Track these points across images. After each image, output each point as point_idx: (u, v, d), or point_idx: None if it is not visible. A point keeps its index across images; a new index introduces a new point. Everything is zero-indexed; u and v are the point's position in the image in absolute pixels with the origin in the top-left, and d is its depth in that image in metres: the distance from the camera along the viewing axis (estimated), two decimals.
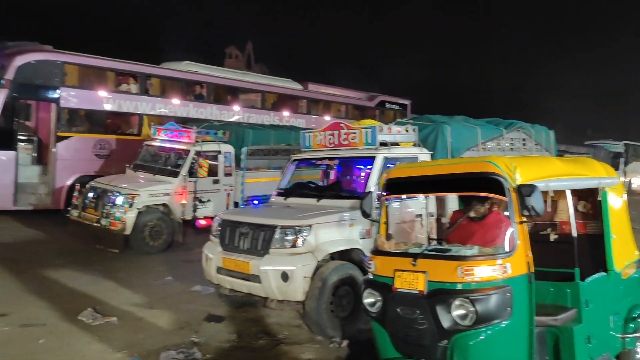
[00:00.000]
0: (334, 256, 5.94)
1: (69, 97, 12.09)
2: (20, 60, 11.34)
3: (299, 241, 5.74)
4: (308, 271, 5.62)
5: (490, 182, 3.63)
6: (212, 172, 10.47)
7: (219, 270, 6.18)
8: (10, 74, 11.14)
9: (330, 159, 7.38)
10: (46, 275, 7.80)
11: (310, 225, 5.79)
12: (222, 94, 15.86)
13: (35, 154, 12.07)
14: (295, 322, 6.20)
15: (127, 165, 10.89)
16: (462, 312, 3.37)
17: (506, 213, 3.94)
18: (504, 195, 3.58)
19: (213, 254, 6.28)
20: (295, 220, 5.90)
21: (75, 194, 10.14)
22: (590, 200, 4.83)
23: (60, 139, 11.88)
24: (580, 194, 4.89)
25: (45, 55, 11.91)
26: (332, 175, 7.70)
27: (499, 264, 3.44)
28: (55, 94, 11.85)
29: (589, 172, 4.49)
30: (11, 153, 11.19)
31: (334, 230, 5.97)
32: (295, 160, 7.59)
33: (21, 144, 11.61)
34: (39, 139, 12.30)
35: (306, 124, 16.50)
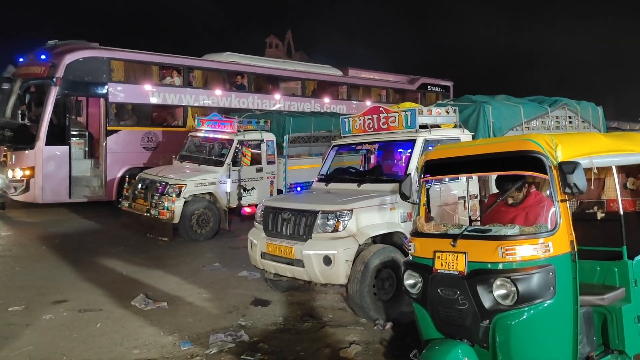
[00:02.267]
0: (375, 240, 5.99)
1: (117, 92, 12.49)
2: (69, 58, 11.77)
3: (341, 225, 5.80)
4: (350, 255, 5.68)
5: (531, 160, 3.56)
6: (255, 160, 10.65)
7: (263, 255, 6.32)
8: (60, 72, 11.59)
9: (370, 143, 7.38)
10: (101, 263, 8.16)
11: (351, 210, 5.84)
12: (263, 83, 16.01)
13: (87, 148, 12.57)
14: (339, 305, 6.29)
15: (174, 156, 11.21)
16: (503, 292, 3.35)
17: (547, 192, 3.87)
18: (545, 173, 3.51)
19: (257, 240, 6.42)
20: (337, 205, 5.96)
21: (126, 185, 10.53)
22: (639, 177, 4.68)
23: (109, 133, 12.29)
24: (629, 171, 4.74)
25: (92, 52, 12.32)
26: (373, 159, 7.70)
27: (541, 243, 3.38)
28: (103, 90, 12.26)
29: (636, 147, 4.34)
30: (65, 148, 11.67)
31: (375, 214, 6.00)
32: (335, 146, 7.63)
33: (73, 139, 12.10)
34: (90, 133, 12.79)
35: (347, 110, 16.48)
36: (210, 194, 9.99)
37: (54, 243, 9.37)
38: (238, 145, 10.31)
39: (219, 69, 14.74)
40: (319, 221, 5.87)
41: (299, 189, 10.60)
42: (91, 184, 12.34)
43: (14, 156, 11.52)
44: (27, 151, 11.39)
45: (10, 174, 11.41)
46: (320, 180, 7.25)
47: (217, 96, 14.24)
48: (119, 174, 12.21)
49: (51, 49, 12.23)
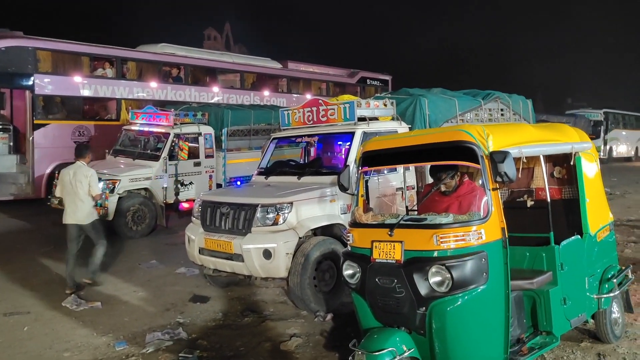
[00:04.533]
0: (315, 232, 5.99)
1: (44, 83, 11.88)
2: None
3: (281, 218, 5.76)
4: (290, 248, 5.65)
5: (463, 151, 3.65)
6: (193, 154, 10.43)
7: (202, 251, 6.18)
8: None
9: (309, 136, 7.36)
10: (30, 264, 7.76)
11: (291, 203, 5.81)
12: (200, 76, 15.68)
13: (12, 143, 11.89)
14: (280, 298, 6.27)
15: (107, 151, 10.78)
16: (438, 279, 3.42)
17: (479, 181, 3.98)
18: (477, 162, 3.60)
19: (195, 235, 6.27)
20: (276, 198, 5.90)
21: (55, 182, 10.03)
22: (565, 166, 4.90)
23: (37, 127, 11.70)
24: (556, 160, 4.96)
25: (16, 41, 11.64)
26: (313, 152, 7.69)
27: (474, 231, 3.47)
28: (29, 81, 11.62)
29: (562, 137, 4.54)
30: None
31: (315, 207, 6.00)
32: (275, 139, 7.57)
33: None
34: (15, 127, 12.10)
35: (287, 103, 16.42)
36: (145, 189, 9.69)
37: None
38: (175, 139, 10.06)
39: (154, 60, 14.30)
40: (258, 215, 5.80)
41: (238, 183, 10.45)
42: (17, 180, 11.69)
43: None
44: None
45: None
46: (260, 173, 7.17)
47: (152, 88, 13.83)
48: (48, 170, 11.63)
49: None
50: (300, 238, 5.75)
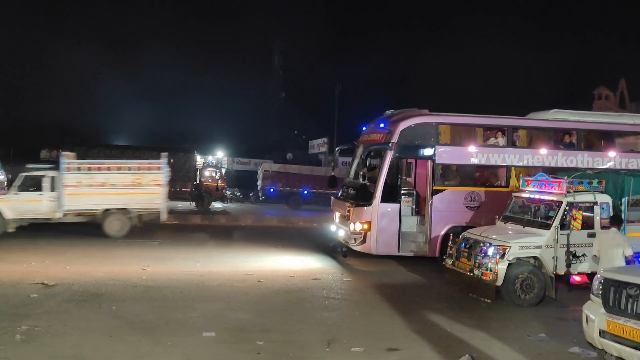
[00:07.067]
0: None
1: (443, 154, 13.24)
2: (403, 125, 13.09)
3: None
4: None
5: None
6: (587, 224, 9.79)
7: (602, 334, 5.73)
8: (395, 138, 12.95)
9: None
10: (427, 317, 8.61)
11: None
12: (594, 140, 14.72)
13: (414, 206, 13.56)
14: None
15: (497, 216, 11.17)
16: None
17: None
18: None
19: (595, 315, 5.86)
20: None
21: (450, 243, 10.94)
22: None
23: (435, 192, 13.06)
24: None
25: (423, 118, 13.44)
26: None
27: None
28: (430, 152, 13.17)
29: None
30: (396, 205, 12.87)
31: None
32: None
33: (403, 197, 13.25)
34: (417, 192, 13.82)
35: None
36: (535, 257, 9.58)
37: (386, 292, 10.31)
38: (567, 208, 9.69)
39: (545, 127, 14.21)
40: None
41: None
42: (417, 239, 13.21)
43: (355, 211, 13.24)
44: (365, 207, 12.95)
45: (351, 226, 13.14)
46: None
47: (542, 155, 13.70)
48: (442, 232, 12.75)
49: (388, 118, 13.84)
50: None
